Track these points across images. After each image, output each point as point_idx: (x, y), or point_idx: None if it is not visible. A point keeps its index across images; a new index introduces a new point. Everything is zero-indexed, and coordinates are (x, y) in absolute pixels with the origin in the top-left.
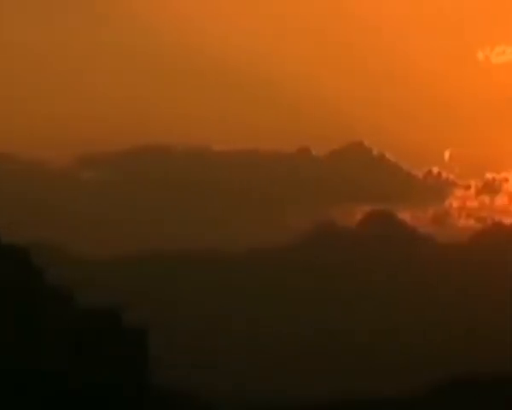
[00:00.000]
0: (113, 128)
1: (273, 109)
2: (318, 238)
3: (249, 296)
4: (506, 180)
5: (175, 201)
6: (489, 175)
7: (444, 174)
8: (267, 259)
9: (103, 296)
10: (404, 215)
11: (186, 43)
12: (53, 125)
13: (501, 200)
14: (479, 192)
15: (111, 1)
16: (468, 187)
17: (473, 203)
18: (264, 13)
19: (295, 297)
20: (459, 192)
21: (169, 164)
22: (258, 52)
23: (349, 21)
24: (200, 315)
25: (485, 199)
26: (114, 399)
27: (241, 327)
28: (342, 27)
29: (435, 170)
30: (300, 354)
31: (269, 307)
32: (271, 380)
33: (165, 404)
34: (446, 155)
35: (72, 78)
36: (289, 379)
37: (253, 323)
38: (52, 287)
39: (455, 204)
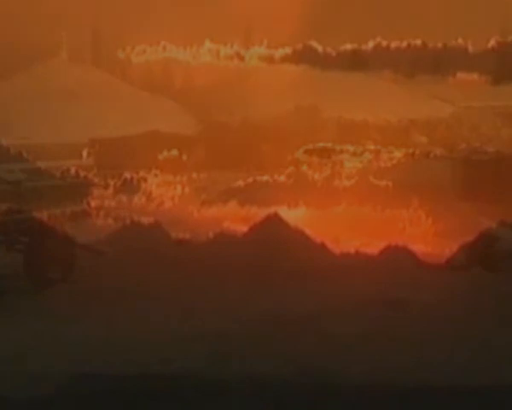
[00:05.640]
0: None
1: None
2: None
3: None
4: (144, 180)
5: None
6: (127, 175)
7: (83, 174)
8: None
9: None
10: (41, 214)
11: None
12: None
13: (139, 200)
14: (117, 191)
15: None
16: (106, 186)
17: (111, 202)
18: None
19: None
20: (97, 191)
21: None
22: None
23: None
24: None
25: (124, 198)
26: None
27: None
28: None
29: (73, 169)
30: None
31: None
32: None
33: None
34: (84, 153)
35: None
36: None
37: None
38: None
39: (93, 203)
